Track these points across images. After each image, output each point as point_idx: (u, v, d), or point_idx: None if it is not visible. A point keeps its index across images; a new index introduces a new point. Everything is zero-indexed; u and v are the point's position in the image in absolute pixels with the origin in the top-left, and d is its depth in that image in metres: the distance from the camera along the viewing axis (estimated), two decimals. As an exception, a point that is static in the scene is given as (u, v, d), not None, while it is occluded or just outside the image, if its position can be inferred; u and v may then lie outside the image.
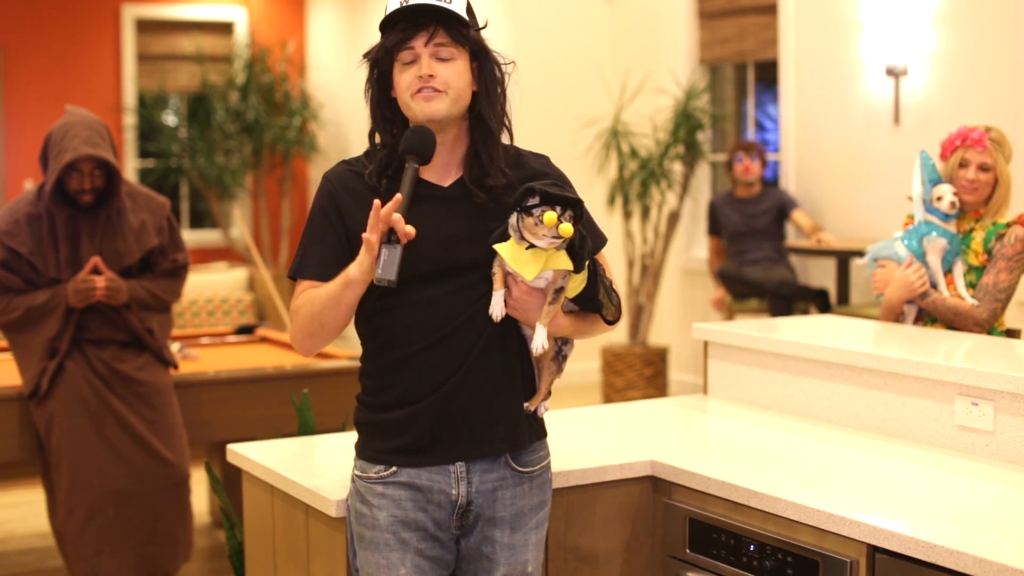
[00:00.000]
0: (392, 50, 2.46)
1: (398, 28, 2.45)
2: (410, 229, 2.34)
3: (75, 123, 4.39)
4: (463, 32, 2.46)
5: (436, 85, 2.43)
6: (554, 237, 2.34)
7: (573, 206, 2.37)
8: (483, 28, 2.53)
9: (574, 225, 2.37)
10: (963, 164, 3.88)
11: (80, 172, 4.36)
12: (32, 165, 9.52)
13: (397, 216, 2.32)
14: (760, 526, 2.67)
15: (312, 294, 2.47)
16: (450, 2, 2.44)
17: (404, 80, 2.45)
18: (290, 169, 11.00)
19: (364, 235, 2.33)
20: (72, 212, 4.43)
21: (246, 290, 8.48)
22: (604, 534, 2.89)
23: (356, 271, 2.37)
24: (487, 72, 2.51)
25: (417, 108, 2.44)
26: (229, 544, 3.55)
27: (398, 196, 2.34)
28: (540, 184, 2.38)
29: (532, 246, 2.37)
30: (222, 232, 10.76)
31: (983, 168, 3.86)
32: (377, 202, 2.32)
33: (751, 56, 8.34)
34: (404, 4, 2.44)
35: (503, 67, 2.53)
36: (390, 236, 2.33)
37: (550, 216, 2.34)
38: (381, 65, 2.49)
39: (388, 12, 2.46)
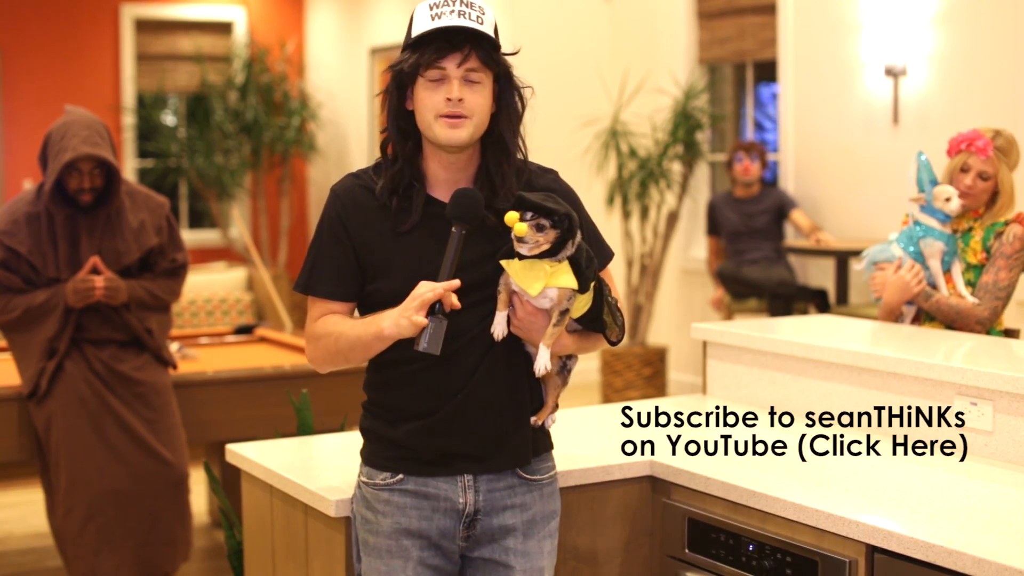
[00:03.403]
0: (420, 67, 2.42)
1: (432, 47, 2.41)
2: (455, 302, 2.33)
3: (74, 123, 4.38)
4: (493, 56, 2.44)
5: (463, 111, 2.41)
6: (519, 240, 2.34)
7: (548, 214, 2.34)
8: (515, 53, 2.51)
9: (563, 238, 2.35)
10: (964, 168, 3.86)
11: (79, 171, 4.35)
12: (31, 165, 9.52)
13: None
14: (759, 526, 2.67)
15: (336, 329, 2.46)
16: (482, 23, 2.42)
17: (430, 100, 2.42)
18: (289, 169, 11.00)
19: (412, 315, 2.31)
20: (71, 212, 4.43)
21: (245, 290, 8.47)
22: (603, 534, 2.89)
23: (392, 330, 2.36)
24: (508, 95, 2.49)
25: (440, 133, 2.42)
26: (228, 544, 3.54)
27: (456, 282, 2.33)
28: (526, 193, 2.38)
29: (524, 257, 2.37)
30: (221, 232, 10.76)
31: (982, 177, 3.85)
32: (424, 283, 2.33)
33: (750, 56, 8.34)
34: (438, 22, 2.40)
35: (522, 91, 2.51)
36: (435, 307, 2.32)
37: (510, 216, 2.33)
38: (403, 78, 2.46)
39: (423, 30, 2.41)
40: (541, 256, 2.36)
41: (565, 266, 2.39)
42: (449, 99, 2.40)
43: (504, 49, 2.51)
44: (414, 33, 2.44)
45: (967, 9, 6.90)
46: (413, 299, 2.33)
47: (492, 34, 2.45)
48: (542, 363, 2.43)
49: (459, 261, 2.36)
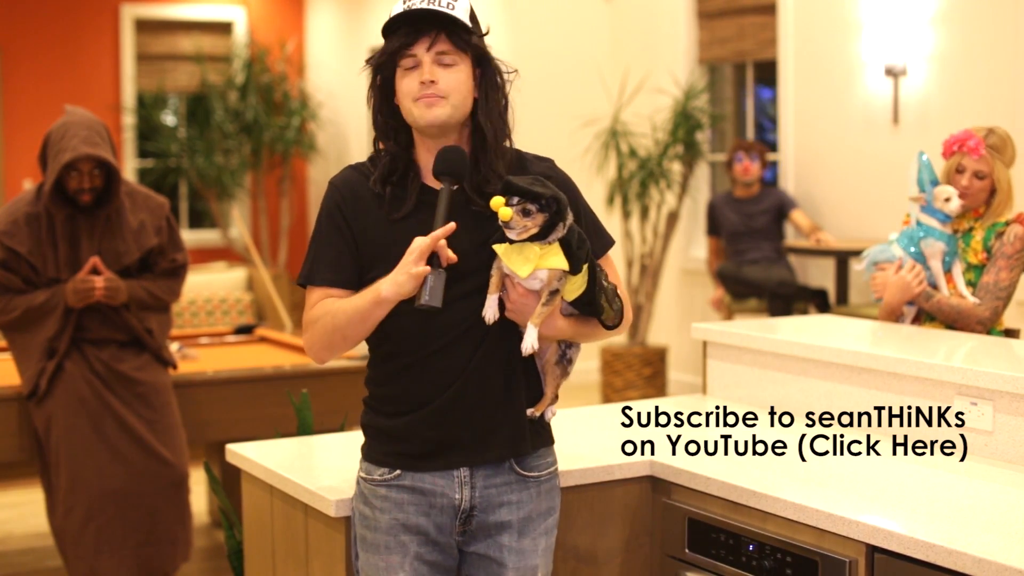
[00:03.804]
0: (394, 56, 2.45)
1: (400, 33, 2.44)
2: (451, 255, 2.33)
3: (74, 123, 4.38)
4: (465, 38, 2.45)
5: (438, 91, 2.42)
6: (506, 226, 2.34)
7: (535, 198, 2.34)
8: (486, 34, 2.52)
9: (552, 220, 2.34)
10: (959, 170, 3.87)
11: (79, 172, 4.35)
12: (31, 165, 9.49)
13: (442, 242, 2.32)
14: (759, 526, 2.67)
15: (334, 307, 2.46)
16: (453, 8, 2.43)
17: (405, 85, 2.45)
18: (289, 169, 11.00)
19: (410, 268, 2.31)
20: (71, 212, 4.43)
21: (245, 290, 8.47)
22: (603, 534, 2.89)
23: (391, 291, 2.35)
24: (488, 79, 2.50)
25: (418, 114, 2.44)
26: (228, 544, 3.55)
27: (451, 224, 2.33)
28: (513, 177, 2.39)
29: (513, 241, 2.37)
30: (221, 232, 10.76)
31: (978, 176, 3.85)
32: (419, 238, 2.32)
33: (750, 56, 8.34)
34: (408, 9, 2.43)
35: (505, 75, 2.52)
36: (432, 261, 2.32)
37: (495, 201, 2.33)
38: (384, 71, 2.49)
39: (390, 17, 2.45)
40: (531, 239, 2.36)
41: (556, 248, 2.38)
42: (422, 82, 2.42)
43: (489, 37, 2.52)
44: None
45: (967, 9, 6.90)
46: (410, 253, 2.33)
47: (465, 18, 2.45)
48: (528, 342, 2.42)
49: (450, 216, 2.36)
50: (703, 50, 8.60)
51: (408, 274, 2.32)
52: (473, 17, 2.50)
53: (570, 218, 2.40)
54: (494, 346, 2.47)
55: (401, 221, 2.46)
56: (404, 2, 2.45)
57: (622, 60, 8.98)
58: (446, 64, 2.44)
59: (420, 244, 2.32)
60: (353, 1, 10.91)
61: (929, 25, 7.06)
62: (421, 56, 2.43)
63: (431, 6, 2.42)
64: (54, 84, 10.52)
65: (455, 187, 2.40)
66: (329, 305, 2.47)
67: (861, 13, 7.46)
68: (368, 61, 2.50)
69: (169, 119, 11.40)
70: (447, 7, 2.42)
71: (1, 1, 10.44)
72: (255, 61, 10.91)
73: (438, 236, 2.32)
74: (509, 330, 2.47)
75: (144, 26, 10.96)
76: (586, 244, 2.44)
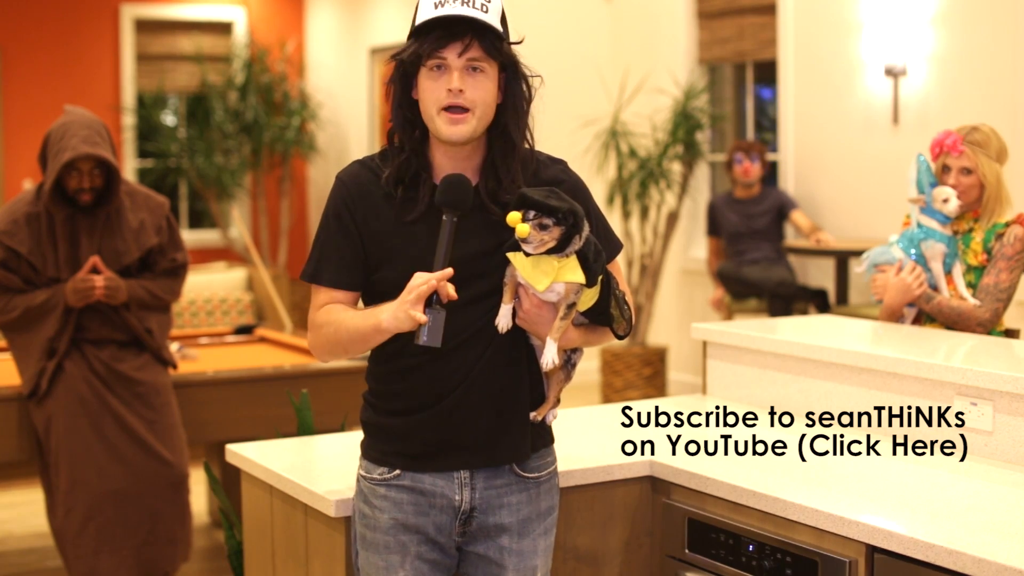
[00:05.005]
0: (422, 56, 2.41)
1: (432, 36, 2.39)
2: (452, 292, 2.29)
3: (74, 122, 4.38)
4: (497, 45, 2.41)
5: (464, 102, 2.38)
6: (523, 241, 2.32)
7: (551, 212, 2.32)
8: (519, 43, 2.49)
9: (569, 233, 2.33)
10: (945, 170, 3.88)
11: (79, 171, 4.35)
12: (31, 165, 9.52)
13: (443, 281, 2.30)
14: (759, 526, 2.67)
15: (337, 320, 2.44)
16: (487, 11, 2.39)
17: (432, 90, 2.40)
18: (289, 169, 11.00)
19: (409, 309, 2.28)
20: (71, 211, 4.43)
21: (245, 290, 8.47)
22: (603, 534, 2.89)
23: (391, 323, 2.33)
24: (515, 86, 2.47)
25: (442, 128, 2.40)
26: (228, 544, 3.55)
27: (448, 270, 2.30)
28: (529, 190, 2.36)
29: (529, 253, 2.35)
30: (221, 232, 10.76)
31: (964, 172, 3.85)
32: (419, 275, 2.29)
33: (750, 56, 8.34)
34: (440, 11, 2.37)
35: (530, 80, 2.48)
36: (433, 299, 2.29)
37: (512, 216, 2.32)
38: (407, 67, 2.44)
39: (423, 19, 2.39)
40: (548, 252, 2.35)
41: (573, 260, 2.37)
42: (450, 90, 2.38)
43: (511, 37, 2.49)
44: (417, 22, 2.42)
45: (967, 9, 6.90)
46: (409, 292, 2.30)
47: (497, 23, 2.42)
48: (549, 357, 2.40)
49: (452, 249, 2.34)
50: (703, 50, 8.60)
51: (407, 314, 2.29)
52: (503, 20, 2.45)
53: (586, 229, 2.37)
54: (500, 351, 2.46)
55: (411, 224, 2.44)
56: (436, 5, 2.39)
57: (622, 60, 8.98)
58: (476, 70, 2.40)
59: (418, 288, 2.28)
60: (353, 1, 10.91)
61: (929, 25, 7.06)
62: (452, 62, 2.39)
63: (468, 10, 2.37)
64: (54, 84, 10.51)
65: (456, 219, 2.35)
66: (334, 314, 2.46)
67: (861, 13, 7.46)
68: (394, 56, 2.45)
69: (169, 119, 11.40)
70: (481, 9, 2.38)
71: (1, 1, 10.44)
72: (255, 61, 10.90)
73: (437, 279, 2.28)
74: (516, 335, 2.46)
75: (144, 26, 10.96)
76: (602, 256, 2.42)
